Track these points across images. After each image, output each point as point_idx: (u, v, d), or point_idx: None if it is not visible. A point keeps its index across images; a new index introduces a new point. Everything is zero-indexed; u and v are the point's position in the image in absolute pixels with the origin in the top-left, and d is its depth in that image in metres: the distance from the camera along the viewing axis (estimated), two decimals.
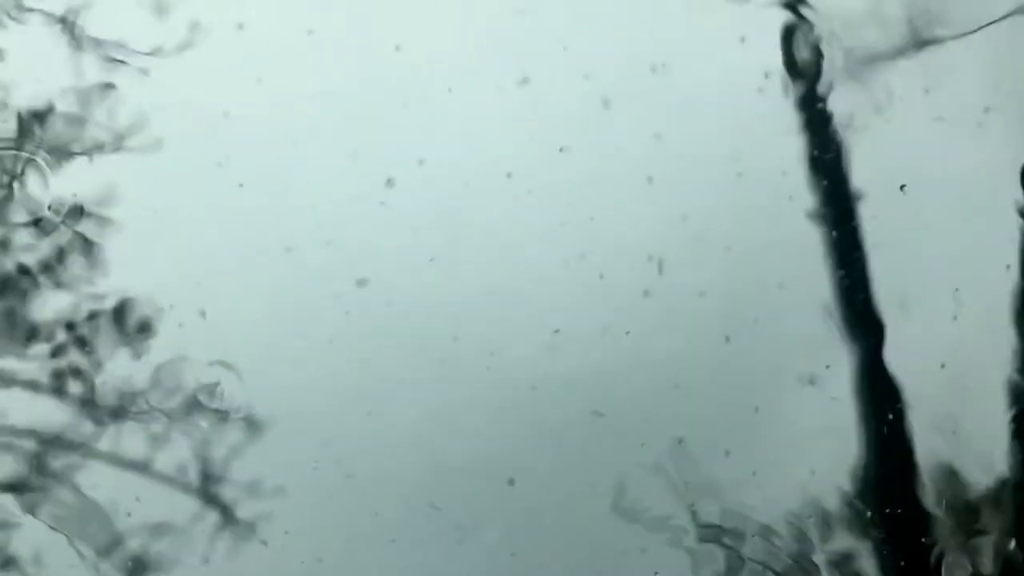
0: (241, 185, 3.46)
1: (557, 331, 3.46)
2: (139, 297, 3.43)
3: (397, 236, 3.48)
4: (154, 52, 3.47)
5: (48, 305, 3.43)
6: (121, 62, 3.48)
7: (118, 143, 3.48)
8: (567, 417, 3.45)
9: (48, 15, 3.47)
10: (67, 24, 3.48)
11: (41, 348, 3.44)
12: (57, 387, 3.43)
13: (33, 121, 3.47)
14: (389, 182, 3.47)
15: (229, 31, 3.48)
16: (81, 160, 3.47)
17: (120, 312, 3.45)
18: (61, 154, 3.48)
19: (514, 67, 3.51)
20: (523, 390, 3.44)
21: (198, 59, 3.47)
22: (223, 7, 3.49)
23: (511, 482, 3.42)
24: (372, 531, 3.43)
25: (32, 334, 3.45)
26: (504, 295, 3.48)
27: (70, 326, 3.44)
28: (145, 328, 3.45)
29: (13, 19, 3.47)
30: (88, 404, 3.43)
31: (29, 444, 3.41)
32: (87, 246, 3.46)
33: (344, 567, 3.42)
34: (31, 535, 3.39)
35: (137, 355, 3.42)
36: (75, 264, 3.45)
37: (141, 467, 3.42)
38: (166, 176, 3.46)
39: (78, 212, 3.45)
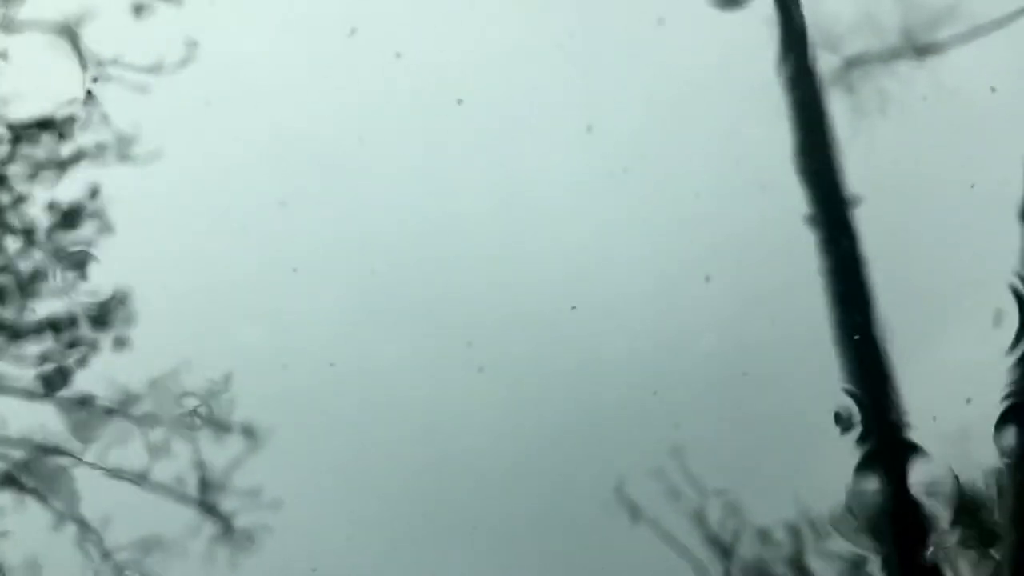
0: (243, 195, 3.50)
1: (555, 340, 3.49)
2: (137, 306, 3.45)
3: (399, 249, 3.52)
4: (154, 68, 3.51)
5: (41, 311, 3.45)
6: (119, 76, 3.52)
7: (119, 151, 3.51)
8: (565, 419, 3.46)
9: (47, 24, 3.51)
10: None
11: (32, 352, 3.45)
12: (50, 393, 3.43)
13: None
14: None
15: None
16: (78, 166, 3.50)
17: (111, 317, 3.45)
18: (57, 163, 3.51)
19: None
20: (521, 392, 3.46)
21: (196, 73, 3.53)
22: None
23: (509, 483, 3.44)
24: (371, 533, 3.44)
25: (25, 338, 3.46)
26: (502, 305, 3.50)
27: (66, 326, 3.45)
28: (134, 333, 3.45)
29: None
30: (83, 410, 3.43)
31: (20, 453, 3.40)
32: (81, 255, 3.47)
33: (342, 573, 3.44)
34: (23, 544, 3.38)
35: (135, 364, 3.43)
36: (70, 272, 3.47)
37: (138, 478, 3.41)
38: (165, 183, 3.49)
39: (76, 219, 3.48)
